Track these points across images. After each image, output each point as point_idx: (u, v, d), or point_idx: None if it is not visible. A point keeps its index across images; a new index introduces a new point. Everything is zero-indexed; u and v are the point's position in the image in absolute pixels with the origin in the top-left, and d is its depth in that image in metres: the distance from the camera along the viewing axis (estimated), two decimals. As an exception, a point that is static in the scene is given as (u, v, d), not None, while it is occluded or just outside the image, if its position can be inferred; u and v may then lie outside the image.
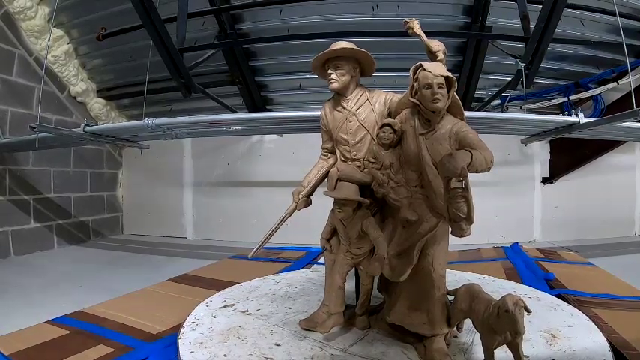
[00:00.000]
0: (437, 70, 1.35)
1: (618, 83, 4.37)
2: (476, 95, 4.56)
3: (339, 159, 1.73)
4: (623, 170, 5.06)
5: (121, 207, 6.16)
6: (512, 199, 5.08)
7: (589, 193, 5.03)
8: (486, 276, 2.50)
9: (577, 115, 3.00)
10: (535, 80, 3.80)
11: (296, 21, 4.17)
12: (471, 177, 1.23)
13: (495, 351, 1.26)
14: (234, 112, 4.51)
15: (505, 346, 1.23)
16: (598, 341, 1.50)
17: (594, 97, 4.58)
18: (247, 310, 1.92)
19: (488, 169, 1.23)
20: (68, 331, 1.81)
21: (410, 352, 1.47)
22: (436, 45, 1.45)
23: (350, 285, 1.73)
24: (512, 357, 1.24)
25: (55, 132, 3.40)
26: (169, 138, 3.73)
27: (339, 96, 1.71)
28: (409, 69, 1.41)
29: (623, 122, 2.80)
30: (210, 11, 3.99)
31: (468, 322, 1.48)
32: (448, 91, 1.36)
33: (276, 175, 5.19)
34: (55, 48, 4.72)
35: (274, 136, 5.34)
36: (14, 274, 3.54)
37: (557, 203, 5.10)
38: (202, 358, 1.42)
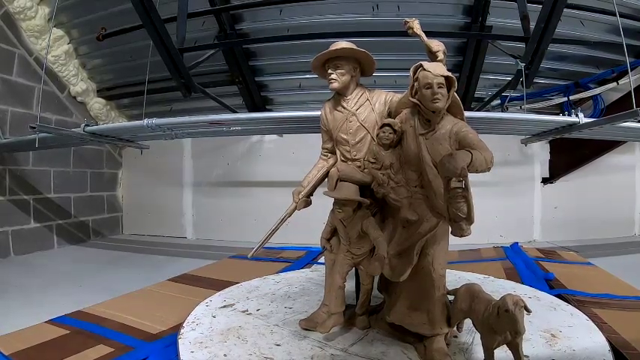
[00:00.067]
0: (437, 70, 1.34)
1: (618, 83, 4.37)
2: (476, 95, 4.56)
3: (339, 159, 1.73)
4: (623, 170, 5.06)
5: (120, 207, 6.16)
6: (512, 199, 5.08)
7: (589, 193, 5.03)
8: (486, 276, 2.50)
9: (577, 115, 3.00)
10: (535, 80, 3.80)
11: (296, 21, 4.17)
12: (471, 177, 1.23)
13: (495, 351, 1.26)
14: (234, 112, 4.50)
15: (505, 346, 1.23)
16: (598, 341, 1.50)
17: (594, 97, 4.58)
18: (247, 310, 1.92)
19: (489, 169, 1.23)
20: (68, 331, 1.81)
21: (410, 352, 1.47)
22: (436, 45, 1.45)
23: (350, 285, 1.73)
24: (513, 357, 1.24)
25: (55, 132, 3.40)
26: (169, 138, 3.73)
27: (339, 96, 1.71)
28: (409, 69, 1.41)
29: (623, 122, 2.79)
30: (210, 11, 3.99)
31: (468, 322, 1.48)
32: (448, 91, 1.36)
33: (276, 175, 5.19)
34: (55, 48, 4.72)
35: (274, 136, 5.34)
36: (14, 274, 3.54)
37: (557, 203, 5.10)
38: (202, 358, 1.42)
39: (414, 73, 1.39)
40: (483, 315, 1.27)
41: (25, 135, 3.76)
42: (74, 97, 5.21)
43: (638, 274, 2.73)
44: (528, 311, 1.18)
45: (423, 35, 1.49)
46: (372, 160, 1.59)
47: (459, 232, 1.27)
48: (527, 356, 1.33)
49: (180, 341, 1.56)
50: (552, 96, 4.72)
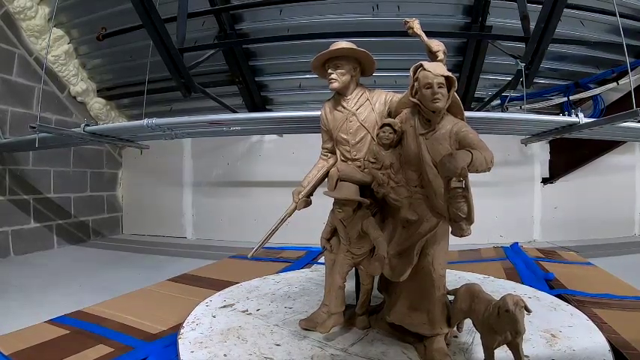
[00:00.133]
0: (437, 69, 1.34)
1: (618, 83, 4.37)
2: (476, 95, 4.56)
3: (339, 159, 1.73)
4: (623, 170, 5.07)
5: (120, 207, 6.16)
6: (512, 199, 5.08)
7: (589, 193, 5.03)
8: (486, 276, 2.49)
9: (577, 115, 3.00)
10: (535, 80, 3.80)
11: (296, 21, 4.17)
12: (471, 177, 1.23)
13: (495, 351, 1.26)
14: (234, 112, 4.51)
15: (505, 346, 1.23)
16: (598, 341, 1.50)
17: (594, 98, 4.58)
18: (247, 310, 1.91)
19: (489, 169, 1.22)
20: (68, 331, 1.81)
21: (410, 352, 1.47)
22: (436, 45, 1.45)
23: (350, 285, 1.72)
24: (513, 357, 1.24)
25: (55, 132, 3.40)
26: (169, 138, 3.73)
27: (339, 96, 1.71)
28: (409, 69, 1.40)
29: (623, 122, 2.80)
30: (210, 11, 3.99)
31: (468, 322, 1.48)
32: (448, 91, 1.36)
33: (276, 175, 5.19)
34: (55, 48, 4.72)
35: (274, 136, 5.34)
36: (14, 274, 3.54)
37: (557, 203, 5.10)
38: (202, 358, 1.42)
39: (414, 73, 1.39)
40: (483, 315, 1.27)
41: (25, 135, 3.76)
42: (74, 97, 5.21)
43: (638, 274, 2.73)
44: (528, 311, 1.18)
45: (423, 35, 1.49)
46: (372, 160, 1.59)
47: (459, 232, 1.27)
48: (528, 356, 1.33)
49: (180, 341, 1.56)
50: (552, 96, 4.72)
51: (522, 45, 3.34)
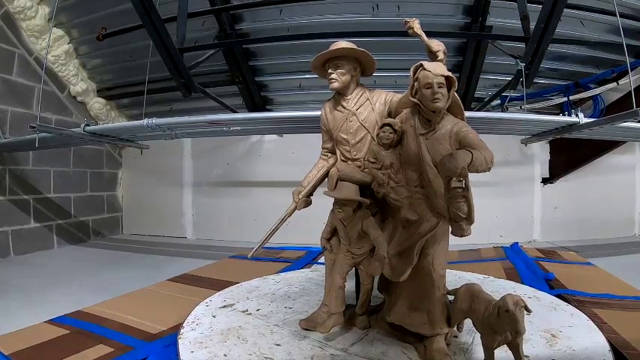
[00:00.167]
0: (437, 69, 1.34)
1: (618, 83, 4.37)
2: (476, 95, 4.56)
3: (339, 159, 1.73)
4: (623, 170, 5.07)
5: (120, 207, 6.16)
6: (512, 199, 5.08)
7: (589, 193, 5.03)
8: (486, 276, 2.49)
9: (577, 115, 3.00)
10: (535, 80, 3.80)
11: (296, 21, 4.17)
12: (471, 177, 1.23)
13: (496, 351, 1.26)
14: (234, 112, 4.51)
15: (505, 346, 1.23)
16: (598, 341, 1.50)
17: (594, 98, 4.58)
18: (247, 310, 1.91)
19: (489, 169, 1.22)
20: (68, 331, 1.81)
21: (410, 352, 1.47)
22: (436, 45, 1.45)
23: (350, 285, 1.72)
24: (513, 357, 1.24)
25: (55, 132, 3.40)
26: (169, 138, 3.73)
27: (339, 96, 1.71)
28: (409, 69, 1.40)
29: (623, 122, 2.80)
30: (210, 11, 3.99)
31: (468, 322, 1.48)
32: (448, 91, 1.35)
33: (276, 175, 5.19)
34: (55, 48, 4.72)
35: (274, 136, 5.34)
36: (14, 273, 3.54)
37: (557, 203, 5.10)
38: (202, 358, 1.42)
39: (414, 72, 1.39)
40: (484, 315, 1.27)
41: (25, 135, 3.76)
42: (74, 97, 5.21)
43: (638, 274, 2.73)
44: (529, 311, 1.18)
45: (423, 35, 1.48)
46: (373, 160, 1.59)
47: (460, 232, 1.26)
48: (528, 356, 1.33)
49: (180, 341, 1.56)
50: (552, 96, 4.72)
51: (522, 45, 3.34)
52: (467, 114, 1.49)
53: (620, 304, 2.01)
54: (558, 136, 3.48)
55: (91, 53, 4.99)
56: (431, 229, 1.44)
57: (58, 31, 4.66)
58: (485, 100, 4.60)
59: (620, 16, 2.96)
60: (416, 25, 1.50)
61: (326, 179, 1.73)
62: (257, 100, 4.93)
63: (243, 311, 1.90)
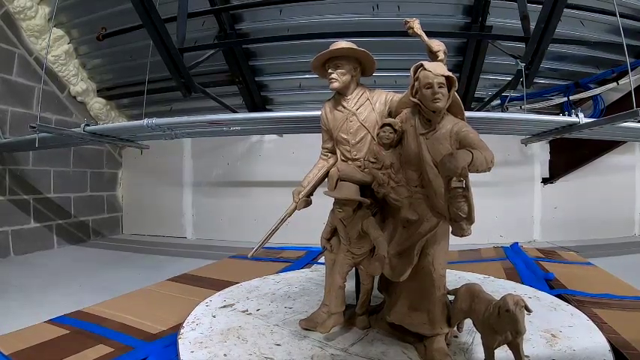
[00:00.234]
0: (437, 69, 1.34)
1: (618, 83, 4.37)
2: (476, 95, 4.56)
3: (339, 159, 1.72)
4: (623, 170, 5.07)
5: (120, 207, 6.15)
6: (512, 199, 5.08)
7: (589, 193, 5.03)
8: (486, 276, 2.50)
9: (577, 116, 3.00)
10: (535, 80, 3.80)
11: (296, 21, 4.17)
12: (472, 177, 1.23)
13: (496, 351, 1.26)
14: (234, 112, 4.51)
15: (506, 346, 1.23)
16: (598, 341, 1.50)
17: (594, 98, 4.58)
18: (247, 310, 1.91)
19: (489, 169, 1.22)
20: (68, 331, 1.81)
21: (410, 352, 1.47)
22: (437, 45, 1.45)
23: (350, 285, 1.72)
24: (513, 357, 1.24)
25: (55, 132, 3.40)
26: (169, 138, 3.73)
27: (339, 96, 1.71)
28: (409, 69, 1.40)
29: (623, 122, 2.79)
30: (210, 11, 3.99)
31: (468, 322, 1.48)
32: (449, 91, 1.36)
33: (276, 175, 5.19)
34: (55, 48, 4.72)
35: (274, 136, 5.34)
36: (14, 273, 3.54)
37: (557, 203, 5.10)
38: (202, 358, 1.42)
39: (415, 72, 1.39)
40: (484, 315, 1.27)
41: (25, 135, 3.76)
42: (74, 97, 5.21)
43: (638, 274, 2.73)
44: (529, 311, 1.18)
45: (424, 35, 1.48)
46: (373, 160, 1.59)
47: (460, 232, 1.26)
48: (528, 356, 1.33)
49: (180, 341, 1.56)
50: (552, 96, 4.72)
51: (522, 45, 3.34)
52: (467, 114, 1.49)
53: (620, 304, 2.01)
54: (558, 136, 3.48)
55: (91, 53, 4.98)
56: (431, 229, 1.44)
57: (58, 31, 4.66)
58: (486, 100, 4.60)
59: (620, 16, 2.96)
60: (416, 25, 1.50)
61: (326, 179, 1.73)
62: (257, 100, 4.93)
63: (243, 311, 1.90)
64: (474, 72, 4.21)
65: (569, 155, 5.00)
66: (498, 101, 4.59)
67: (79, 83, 5.14)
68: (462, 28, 4.04)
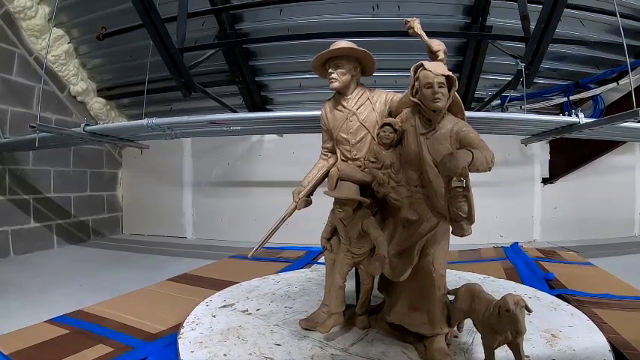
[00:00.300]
0: (438, 69, 1.34)
1: (618, 83, 4.37)
2: (476, 95, 4.56)
3: (339, 158, 1.72)
4: (623, 170, 5.07)
5: (120, 207, 6.15)
6: (512, 199, 5.08)
7: (589, 193, 5.03)
8: (486, 276, 2.50)
9: (577, 116, 3.00)
10: (535, 80, 3.80)
11: (296, 21, 4.17)
12: (472, 177, 1.23)
13: (496, 351, 1.26)
14: (234, 111, 4.50)
15: (506, 345, 1.23)
16: (598, 341, 1.50)
17: (594, 98, 4.58)
18: (247, 310, 1.91)
19: (489, 169, 1.22)
20: (68, 331, 1.81)
21: (410, 352, 1.47)
22: (437, 44, 1.45)
23: (350, 285, 1.72)
24: (513, 357, 1.24)
25: (55, 131, 3.40)
26: (169, 137, 3.73)
27: (339, 95, 1.71)
28: (409, 69, 1.40)
29: (623, 122, 2.80)
30: (210, 11, 3.99)
31: (468, 322, 1.48)
32: (449, 91, 1.36)
33: (276, 175, 5.19)
34: (55, 47, 4.72)
35: (274, 136, 5.34)
36: (14, 273, 3.54)
37: (557, 203, 5.10)
38: (202, 358, 1.42)
39: (415, 72, 1.39)
40: (484, 315, 1.27)
41: (25, 134, 3.76)
42: (74, 97, 5.21)
43: (638, 274, 2.73)
44: (529, 311, 1.18)
45: (424, 35, 1.48)
46: (373, 160, 1.59)
47: (460, 232, 1.27)
48: (528, 356, 1.33)
49: (180, 341, 1.56)
50: (552, 96, 4.72)
51: (522, 45, 3.34)
52: (467, 114, 1.49)
53: (620, 304, 2.01)
54: (558, 136, 3.48)
55: (91, 53, 4.98)
56: (431, 228, 1.44)
57: (58, 31, 4.66)
58: (486, 100, 4.60)
59: (620, 16, 2.96)
60: (416, 25, 1.50)
61: (326, 179, 1.73)
62: (257, 100, 4.93)
63: (243, 311, 1.90)
64: (473, 72, 4.21)
65: (569, 155, 5.00)
66: (498, 101, 4.59)
67: (79, 83, 5.14)
68: (462, 28, 4.04)
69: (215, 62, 4.37)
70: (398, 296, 1.55)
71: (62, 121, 4.94)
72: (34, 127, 3.14)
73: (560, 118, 3.16)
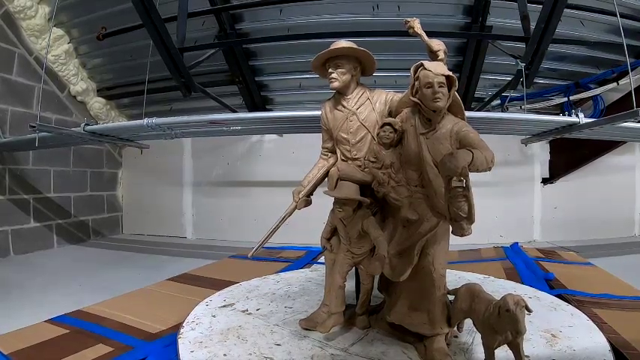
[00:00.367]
0: (438, 69, 1.34)
1: (618, 84, 4.37)
2: (476, 95, 4.56)
3: (339, 158, 1.72)
4: (623, 170, 5.07)
5: (120, 207, 6.15)
6: (512, 199, 5.08)
7: (589, 193, 5.03)
8: (486, 276, 2.49)
9: (577, 116, 3.00)
10: (535, 80, 3.80)
11: (295, 21, 4.17)
12: (472, 177, 1.23)
13: (496, 351, 1.26)
14: (234, 111, 4.51)
15: (506, 345, 1.23)
16: (598, 341, 1.50)
17: (594, 98, 4.58)
18: (247, 310, 1.91)
19: (489, 169, 1.22)
20: (68, 331, 1.81)
21: (410, 352, 1.47)
22: (437, 44, 1.45)
23: (350, 285, 1.72)
24: (513, 357, 1.24)
25: (55, 131, 3.40)
26: (169, 137, 3.73)
27: (339, 95, 1.71)
28: (409, 69, 1.40)
29: (623, 122, 2.80)
30: (210, 11, 3.99)
31: (468, 322, 1.48)
32: (449, 91, 1.35)
33: (276, 175, 5.19)
34: (55, 47, 4.72)
35: (274, 136, 5.34)
36: (14, 273, 3.54)
37: (557, 203, 5.10)
38: (202, 358, 1.42)
39: (415, 72, 1.39)
40: (484, 315, 1.27)
41: (25, 134, 3.76)
42: (74, 97, 5.21)
43: (638, 274, 2.73)
44: (529, 311, 1.18)
45: (424, 35, 1.48)
46: (373, 160, 1.59)
47: (460, 232, 1.26)
48: (528, 356, 1.33)
49: (180, 341, 1.56)
50: (552, 96, 4.72)
51: (522, 45, 3.35)
52: (467, 114, 1.49)
53: (620, 304, 2.01)
54: (558, 136, 3.48)
55: (91, 53, 4.98)
56: (431, 228, 1.44)
57: (58, 31, 4.66)
58: (486, 100, 4.60)
59: (620, 16, 2.96)
60: (416, 25, 1.50)
61: (326, 179, 1.73)
62: (257, 100, 4.93)
63: (243, 311, 1.90)
64: (473, 72, 4.21)
65: (569, 155, 5.00)
66: (498, 101, 4.59)
67: (79, 83, 5.14)
68: (462, 28, 4.04)
69: (215, 62, 4.37)
70: (398, 296, 1.55)
71: (62, 121, 4.94)
72: (34, 126, 3.15)
73: (560, 118, 3.16)
